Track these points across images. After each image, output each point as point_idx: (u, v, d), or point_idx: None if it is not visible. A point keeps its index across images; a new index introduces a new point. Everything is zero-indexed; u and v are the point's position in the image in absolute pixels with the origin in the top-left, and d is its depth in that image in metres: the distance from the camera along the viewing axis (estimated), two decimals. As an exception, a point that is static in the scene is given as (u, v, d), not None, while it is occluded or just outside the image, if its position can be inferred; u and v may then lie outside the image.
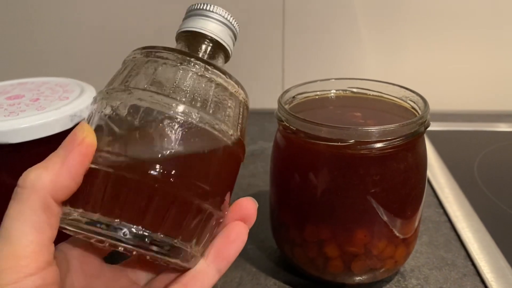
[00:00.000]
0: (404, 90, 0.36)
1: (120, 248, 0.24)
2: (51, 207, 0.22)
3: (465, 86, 0.72)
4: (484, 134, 0.64)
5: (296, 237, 0.35)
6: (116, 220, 0.22)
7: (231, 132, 0.25)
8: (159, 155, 0.23)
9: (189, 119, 0.23)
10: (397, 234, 0.33)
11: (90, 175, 0.23)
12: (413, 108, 0.36)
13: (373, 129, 0.30)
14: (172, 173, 0.23)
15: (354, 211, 0.32)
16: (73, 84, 0.39)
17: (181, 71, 0.24)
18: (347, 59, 0.71)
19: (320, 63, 0.72)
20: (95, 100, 0.25)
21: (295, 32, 0.70)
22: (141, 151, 0.23)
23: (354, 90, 0.39)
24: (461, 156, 0.58)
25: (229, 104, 0.26)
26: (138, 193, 0.22)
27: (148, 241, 0.23)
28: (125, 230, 0.22)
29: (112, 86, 0.25)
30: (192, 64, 0.25)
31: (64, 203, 0.23)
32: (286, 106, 0.35)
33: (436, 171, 0.54)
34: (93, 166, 0.23)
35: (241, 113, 0.26)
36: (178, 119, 0.23)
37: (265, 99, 0.74)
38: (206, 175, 0.24)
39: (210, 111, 0.24)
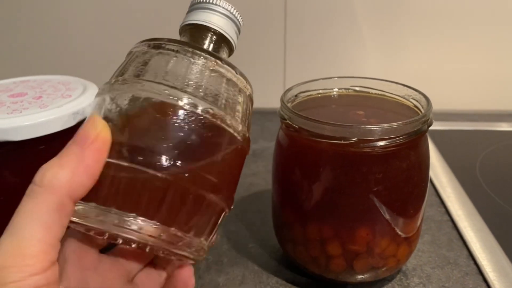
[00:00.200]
0: (407, 88, 0.36)
1: (119, 240, 0.24)
2: (65, 207, 0.21)
3: (467, 85, 0.72)
4: (486, 134, 0.64)
5: (298, 235, 0.35)
6: (131, 214, 0.22)
7: (240, 127, 0.25)
8: (174, 150, 0.23)
9: (203, 114, 0.23)
10: (400, 232, 0.33)
11: (103, 168, 0.22)
12: (415, 106, 0.35)
13: (376, 127, 0.30)
14: (186, 167, 0.23)
15: (357, 209, 0.32)
16: (75, 82, 0.39)
17: (193, 65, 0.24)
18: (349, 58, 0.71)
19: (322, 62, 0.71)
20: (103, 91, 0.25)
21: (296, 31, 0.70)
22: (155, 145, 0.23)
23: (357, 88, 0.39)
24: (463, 156, 0.58)
25: (239, 100, 0.26)
26: (153, 187, 0.22)
27: (167, 241, 0.23)
28: (140, 224, 0.22)
29: (123, 77, 0.25)
30: (203, 58, 0.25)
31: None
32: (289, 105, 0.35)
33: (438, 171, 0.54)
34: (106, 159, 0.22)
35: (248, 109, 0.27)
36: (192, 113, 0.23)
37: (266, 98, 0.73)
38: (218, 170, 0.24)
39: (223, 106, 0.24)
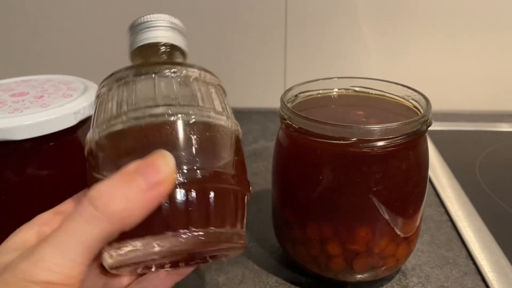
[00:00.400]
0: (406, 89, 0.37)
1: (167, 266, 0.25)
2: (113, 237, 0.21)
3: (467, 86, 0.72)
4: (486, 134, 0.64)
5: (298, 235, 0.35)
6: (185, 230, 0.23)
7: (224, 117, 0.26)
8: (188, 157, 0.23)
9: (194, 118, 0.24)
10: (399, 232, 0.33)
11: None
12: (415, 107, 0.36)
13: (375, 127, 0.30)
14: (203, 169, 0.24)
15: (356, 209, 0.32)
16: (76, 82, 0.40)
17: (156, 80, 0.25)
18: (349, 59, 0.71)
19: (322, 62, 0.72)
20: (92, 139, 0.25)
21: (297, 32, 0.70)
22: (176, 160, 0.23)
23: (357, 89, 0.39)
24: (463, 156, 0.58)
25: (212, 92, 0.27)
26: (193, 199, 0.23)
27: (223, 238, 0.24)
28: (187, 236, 0.23)
29: (108, 116, 0.25)
30: (162, 69, 0.25)
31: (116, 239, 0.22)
32: (289, 105, 0.35)
33: (438, 171, 0.54)
34: None
35: (223, 97, 0.28)
36: (185, 122, 0.24)
37: (266, 98, 0.74)
38: (225, 160, 0.25)
39: (204, 104, 0.25)
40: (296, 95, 0.38)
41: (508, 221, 0.44)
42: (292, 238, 0.36)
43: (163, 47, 0.28)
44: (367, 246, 0.33)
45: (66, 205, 0.26)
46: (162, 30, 0.28)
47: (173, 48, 0.28)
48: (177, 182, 0.22)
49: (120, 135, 0.24)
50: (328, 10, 0.68)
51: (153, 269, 0.26)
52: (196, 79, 0.26)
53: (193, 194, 0.23)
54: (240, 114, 0.72)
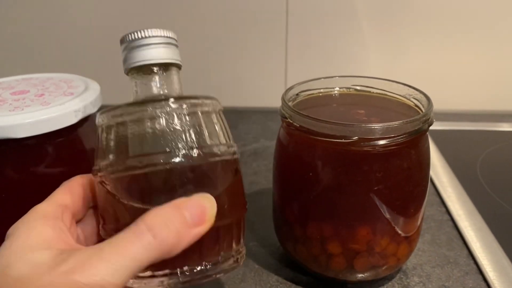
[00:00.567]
0: (408, 88, 0.37)
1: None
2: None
3: (468, 85, 0.72)
4: (487, 134, 0.64)
5: (299, 234, 0.35)
6: (219, 256, 0.26)
7: (226, 147, 0.27)
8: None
9: (194, 160, 0.25)
10: (400, 231, 0.33)
11: None
12: (416, 106, 0.36)
13: (377, 126, 0.30)
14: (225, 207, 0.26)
15: (357, 208, 0.32)
16: (77, 80, 0.39)
17: (156, 119, 0.25)
18: (350, 58, 0.71)
19: (323, 61, 0.72)
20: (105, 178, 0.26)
21: (298, 30, 0.70)
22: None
23: (358, 88, 0.39)
24: (464, 156, 0.58)
25: (214, 121, 0.27)
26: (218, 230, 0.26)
27: (238, 258, 0.28)
28: (230, 259, 0.27)
29: (109, 161, 0.26)
30: (162, 108, 0.26)
31: (158, 268, 0.25)
32: (290, 103, 0.35)
33: (439, 170, 0.54)
34: None
35: (224, 122, 0.28)
36: (179, 167, 0.25)
37: (267, 97, 0.74)
38: (227, 193, 0.27)
39: (205, 141, 0.26)
40: (297, 94, 0.37)
41: (509, 220, 0.44)
42: (292, 237, 0.36)
43: (158, 68, 0.28)
44: (368, 245, 0.33)
45: (64, 196, 0.27)
46: (157, 48, 0.28)
47: (169, 64, 0.28)
48: None
49: (136, 179, 0.25)
50: (329, 9, 0.68)
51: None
52: (200, 112, 0.27)
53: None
54: (240, 113, 0.73)
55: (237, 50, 0.71)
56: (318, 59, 0.71)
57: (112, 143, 0.26)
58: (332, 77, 0.39)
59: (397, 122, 0.30)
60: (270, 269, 0.39)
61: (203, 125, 0.26)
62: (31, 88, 0.37)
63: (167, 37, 0.28)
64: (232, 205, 0.27)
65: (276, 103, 0.35)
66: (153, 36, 0.27)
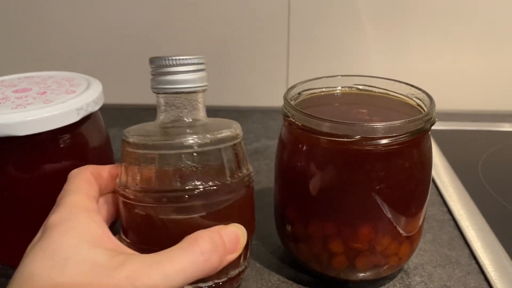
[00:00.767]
0: (410, 87, 0.36)
1: None
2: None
3: (470, 85, 0.72)
4: (488, 134, 0.64)
5: (300, 233, 0.35)
6: (228, 273, 0.31)
7: (245, 176, 0.31)
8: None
9: (228, 197, 0.30)
10: (401, 231, 0.33)
11: None
12: (419, 105, 0.35)
13: (379, 125, 0.30)
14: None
15: (359, 207, 0.32)
16: (79, 78, 0.40)
17: (183, 156, 0.28)
18: (352, 57, 0.71)
19: (325, 60, 0.71)
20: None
21: (300, 30, 0.70)
22: None
23: (360, 87, 0.39)
24: (466, 156, 0.58)
25: (236, 151, 0.31)
26: None
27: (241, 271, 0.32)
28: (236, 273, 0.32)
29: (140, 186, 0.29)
30: (195, 150, 0.28)
31: None
32: (292, 102, 0.35)
33: (441, 170, 0.54)
34: None
35: (242, 148, 0.32)
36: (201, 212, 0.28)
37: (269, 97, 0.74)
38: (249, 216, 0.33)
39: (229, 174, 0.30)
40: (299, 93, 0.37)
41: (511, 220, 0.44)
42: (294, 236, 0.36)
43: (187, 95, 0.30)
44: (370, 244, 0.33)
45: (90, 188, 0.28)
46: (187, 75, 0.30)
47: (196, 94, 0.31)
48: None
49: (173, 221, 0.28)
50: (331, 8, 0.68)
51: None
52: (223, 148, 0.30)
53: None
54: (242, 112, 0.73)
55: (238, 49, 0.71)
56: (319, 58, 0.71)
57: (147, 171, 0.28)
58: (334, 76, 0.39)
59: (399, 122, 0.30)
60: (271, 268, 0.39)
61: (229, 160, 0.30)
62: (33, 86, 0.37)
63: (198, 63, 0.30)
64: (247, 228, 0.30)
65: (278, 102, 0.35)
66: (186, 64, 0.29)
